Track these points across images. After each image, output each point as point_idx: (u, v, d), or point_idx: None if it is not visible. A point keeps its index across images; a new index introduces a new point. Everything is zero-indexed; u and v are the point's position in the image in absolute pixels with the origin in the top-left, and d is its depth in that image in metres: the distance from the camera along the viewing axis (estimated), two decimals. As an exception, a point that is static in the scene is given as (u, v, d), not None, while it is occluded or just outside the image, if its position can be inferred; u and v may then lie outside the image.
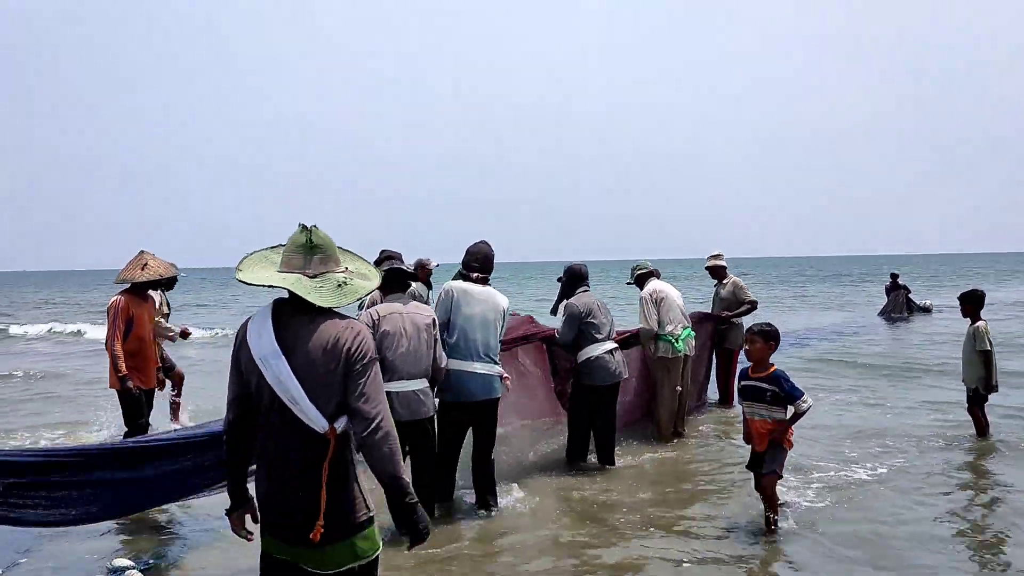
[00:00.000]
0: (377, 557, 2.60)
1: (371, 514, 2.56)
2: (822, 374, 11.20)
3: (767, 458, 4.78)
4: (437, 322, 4.84)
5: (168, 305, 8.42)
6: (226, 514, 2.69)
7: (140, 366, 6.19)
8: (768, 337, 4.82)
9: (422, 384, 4.72)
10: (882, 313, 21.24)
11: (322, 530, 2.44)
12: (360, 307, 6.39)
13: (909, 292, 21.51)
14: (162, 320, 8.04)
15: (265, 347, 2.45)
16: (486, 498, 5.28)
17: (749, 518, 5.04)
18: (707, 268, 9.22)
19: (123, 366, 5.99)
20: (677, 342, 7.03)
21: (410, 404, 4.66)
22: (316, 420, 2.43)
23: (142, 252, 6.45)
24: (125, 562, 4.44)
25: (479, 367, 5.06)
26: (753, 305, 8.91)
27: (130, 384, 6.01)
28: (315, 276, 2.51)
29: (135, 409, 6.10)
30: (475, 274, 5.25)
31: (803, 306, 28.12)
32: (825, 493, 5.53)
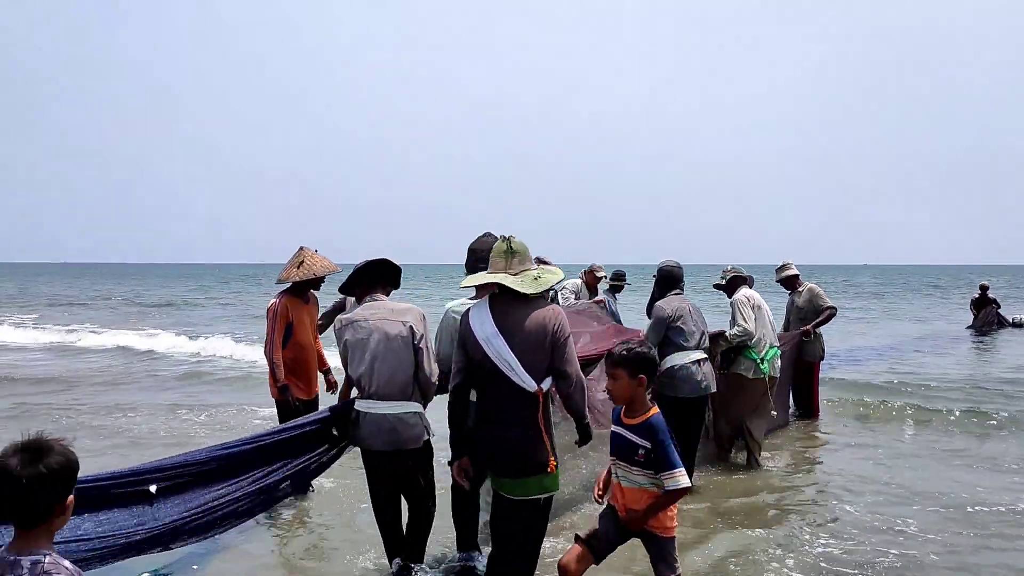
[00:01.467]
0: (553, 496, 3.38)
1: (555, 459, 3.30)
2: (896, 415, 8.94)
3: (654, 555, 3.23)
4: (420, 327, 3.97)
5: None
6: (448, 464, 3.51)
7: (300, 375, 5.60)
8: (635, 367, 3.16)
9: (400, 407, 3.89)
10: (972, 327, 19.77)
11: (555, 463, 3.28)
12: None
13: (999, 307, 20.06)
14: None
15: (487, 330, 3.31)
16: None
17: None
18: (779, 281, 8.57)
19: (282, 375, 5.44)
20: (762, 362, 6.38)
21: (380, 430, 3.87)
22: (528, 383, 3.25)
23: (301, 248, 5.69)
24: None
25: None
26: (833, 311, 8.35)
27: (290, 396, 5.46)
28: (516, 274, 3.40)
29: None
30: None
31: (875, 318, 26.39)
32: None
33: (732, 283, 6.69)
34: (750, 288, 6.67)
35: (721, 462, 6.64)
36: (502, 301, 3.38)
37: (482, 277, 3.49)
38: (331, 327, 4.64)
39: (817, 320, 8.21)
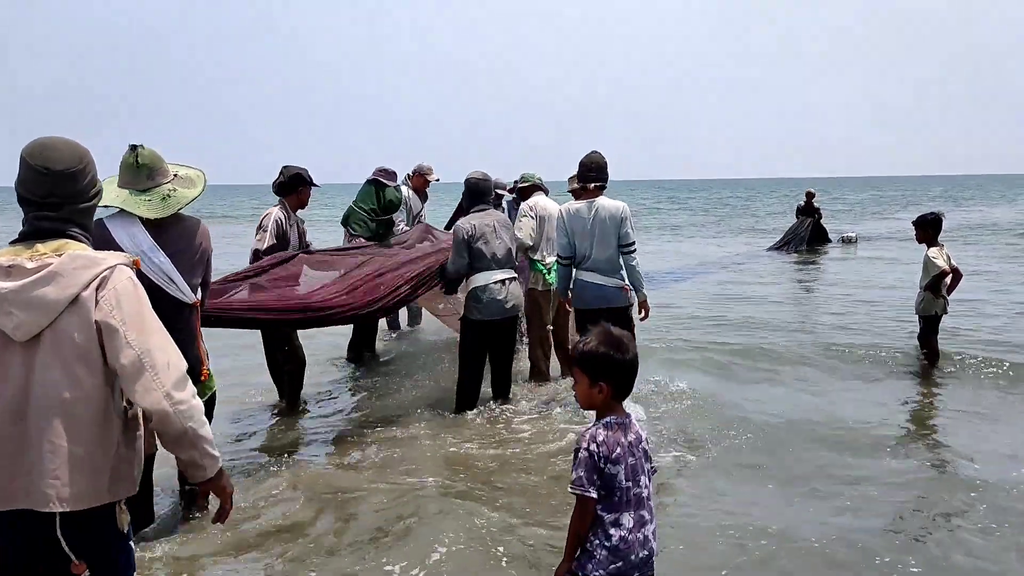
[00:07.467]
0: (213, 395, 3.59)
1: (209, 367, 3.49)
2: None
3: None
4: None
5: None
6: None
7: None
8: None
9: None
10: (776, 247, 17.15)
11: (207, 370, 3.45)
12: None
13: (820, 217, 17.66)
14: None
15: (143, 244, 3.06)
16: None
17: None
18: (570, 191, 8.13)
19: None
20: (549, 273, 6.25)
21: None
22: (188, 295, 3.22)
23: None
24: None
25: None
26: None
27: None
28: (144, 190, 3.11)
29: None
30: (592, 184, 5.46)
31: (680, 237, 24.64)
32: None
33: (522, 193, 6.68)
34: (545, 195, 6.61)
35: (542, 380, 6.40)
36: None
37: (106, 198, 2.87)
38: None
39: None
